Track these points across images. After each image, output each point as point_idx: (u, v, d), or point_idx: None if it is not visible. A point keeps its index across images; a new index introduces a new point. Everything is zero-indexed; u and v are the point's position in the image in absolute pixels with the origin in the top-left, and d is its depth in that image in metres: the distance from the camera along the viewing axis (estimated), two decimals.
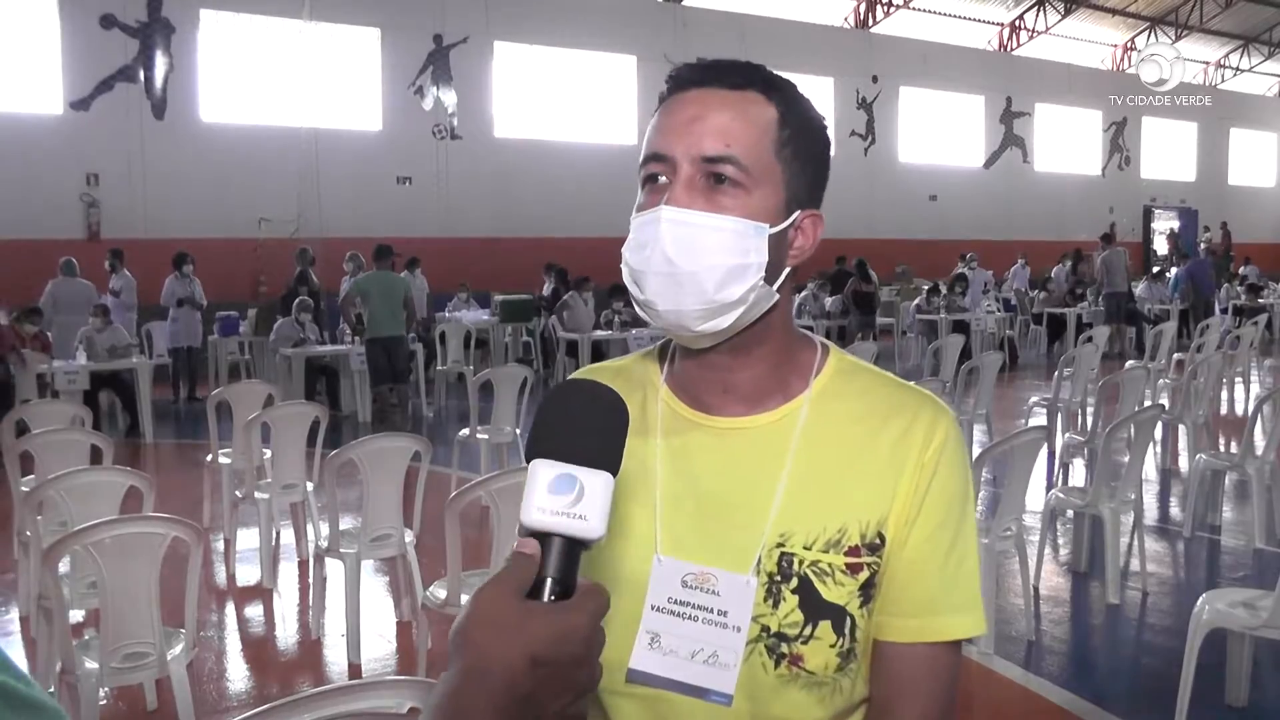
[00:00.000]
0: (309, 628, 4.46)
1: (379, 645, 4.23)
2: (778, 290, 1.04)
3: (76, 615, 3.98)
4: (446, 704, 0.72)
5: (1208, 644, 3.13)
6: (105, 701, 3.56)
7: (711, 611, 1.02)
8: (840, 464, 1.04)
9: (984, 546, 3.94)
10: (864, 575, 1.02)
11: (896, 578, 1.03)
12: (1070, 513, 5.09)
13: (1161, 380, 8.88)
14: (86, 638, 3.24)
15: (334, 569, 4.33)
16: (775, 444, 1.05)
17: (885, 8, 21.92)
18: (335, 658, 4.11)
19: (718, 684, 1.02)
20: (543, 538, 0.78)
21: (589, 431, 0.80)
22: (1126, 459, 4.83)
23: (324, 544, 4.21)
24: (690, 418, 1.08)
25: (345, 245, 12.59)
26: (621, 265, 1.03)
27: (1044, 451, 6.12)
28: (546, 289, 13.70)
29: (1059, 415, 7.39)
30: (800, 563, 1.01)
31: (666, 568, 1.04)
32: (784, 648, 1.01)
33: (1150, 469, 6.95)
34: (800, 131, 1.04)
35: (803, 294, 13.42)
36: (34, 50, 14.01)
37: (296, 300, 10.66)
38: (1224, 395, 9.70)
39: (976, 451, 5.50)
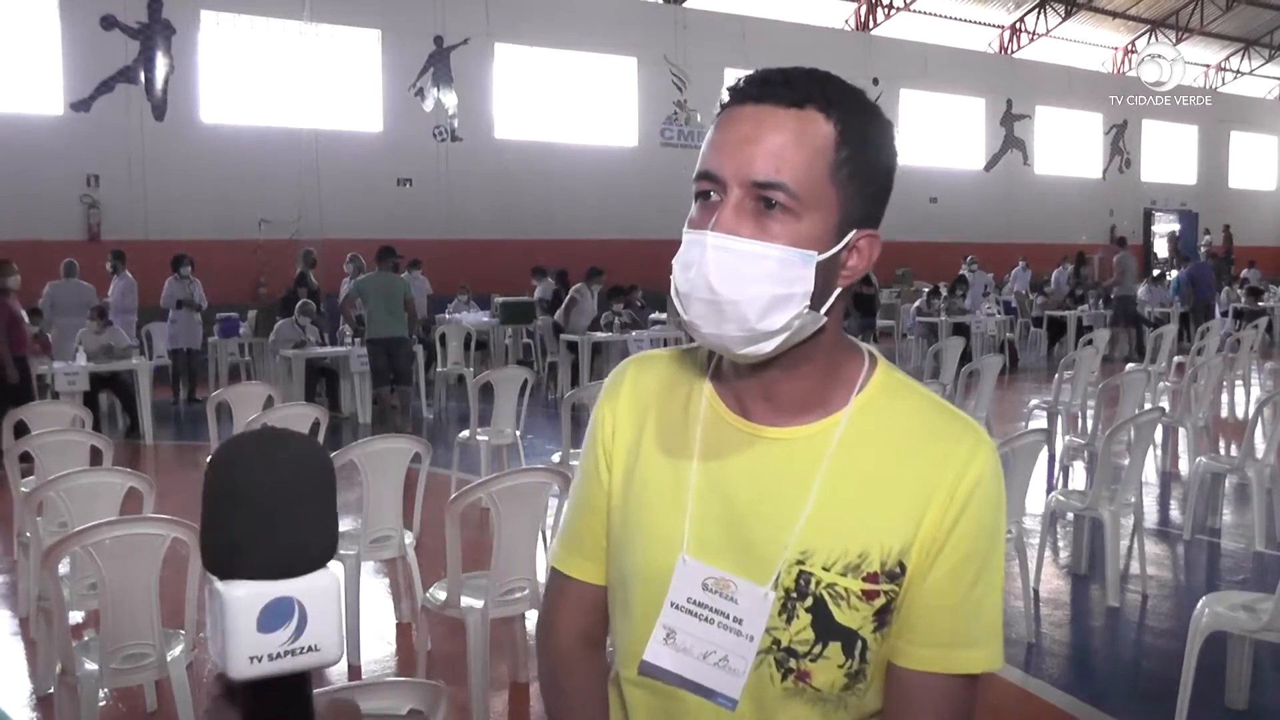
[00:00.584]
0: None
1: (379, 647, 4.22)
2: (825, 314, 1.01)
3: (76, 616, 3.99)
4: None
5: (1208, 647, 3.13)
6: (105, 702, 3.56)
7: (728, 617, 1.03)
8: (870, 485, 1.02)
9: None
10: (879, 602, 1.01)
11: (916, 606, 1.02)
12: (1070, 515, 5.09)
13: (1162, 383, 8.88)
14: (86, 639, 3.24)
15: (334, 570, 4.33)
16: (809, 457, 1.04)
17: (886, 10, 21.93)
18: None
19: (725, 687, 1.03)
20: (258, 685, 0.59)
21: (293, 517, 0.58)
22: (1126, 462, 4.82)
23: None
24: (730, 421, 1.08)
25: (345, 246, 12.59)
26: (671, 278, 1.01)
27: (1044, 454, 6.12)
28: (538, 292, 13.72)
29: (1059, 418, 7.39)
30: (818, 583, 1.01)
31: (690, 568, 1.05)
32: (792, 663, 1.02)
33: (1150, 472, 6.94)
34: (860, 149, 1.00)
35: None
36: (34, 51, 14.03)
37: (298, 303, 10.65)
38: (1224, 398, 9.70)
39: None
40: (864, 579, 1.00)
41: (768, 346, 0.99)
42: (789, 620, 1.02)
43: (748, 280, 0.95)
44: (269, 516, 0.57)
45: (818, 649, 1.01)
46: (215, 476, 0.59)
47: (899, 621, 1.02)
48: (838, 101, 1.00)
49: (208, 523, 0.59)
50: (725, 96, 1.01)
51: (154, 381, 9.69)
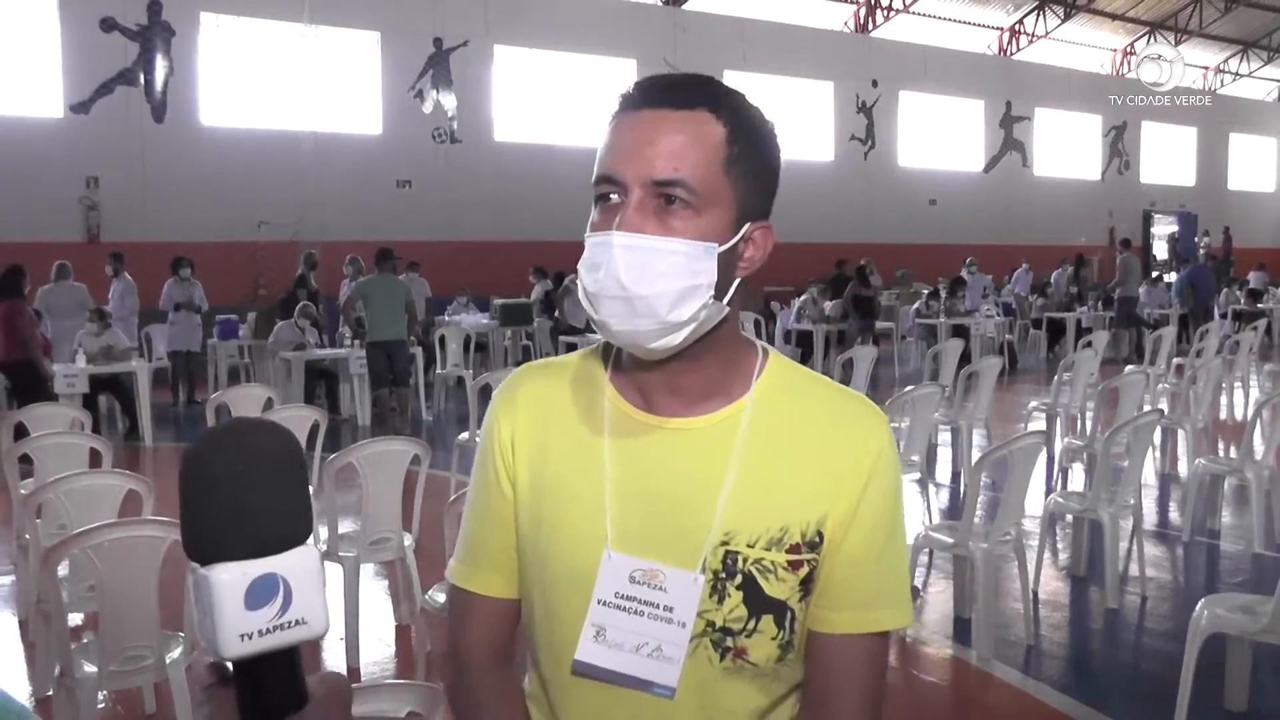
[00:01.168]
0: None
1: (378, 649, 4.22)
2: (728, 304, 1.06)
3: (75, 618, 3.99)
4: None
5: (1207, 649, 3.13)
6: (104, 705, 3.56)
7: (658, 607, 1.06)
8: (782, 465, 1.08)
9: (983, 551, 3.94)
10: (804, 571, 1.07)
11: (834, 574, 1.08)
12: (1069, 517, 5.09)
13: (1161, 385, 8.88)
14: (85, 641, 3.23)
15: (333, 572, 4.32)
16: (720, 444, 1.08)
17: (885, 12, 21.95)
18: (334, 661, 4.10)
19: (661, 677, 1.05)
20: (250, 665, 0.60)
21: (269, 498, 0.60)
22: (1126, 464, 4.83)
23: (323, 547, 4.20)
24: (637, 416, 1.11)
25: (345, 249, 12.59)
26: (577, 281, 1.05)
27: (1043, 456, 6.12)
28: (535, 293, 13.72)
29: (1058, 420, 7.39)
30: (745, 560, 1.06)
31: (616, 563, 1.07)
32: (729, 641, 1.06)
33: (1149, 474, 6.94)
34: (750, 145, 1.05)
35: (802, 298, 13.42)
36: (34, 53, 14.04)
37: (298, 305, 10.65)
38: (1223, 400, 9.70)
39: (976, 456, 5.50)
40: (787, 550, 1.06)
41: (678, 338, 1.02)
42: (720, 601, 1.05)
43: (656, 275, 0.99)
44: (247, 500, 0.59)
45: (752, 624, 1.06)
46: (191, 468, 0.61)
47: (817, 590, 1.09)
48: (726, 103, 1.04)
49: (188, 513, 0.60)
50: (616, 104, 1.06)
51: (153, 383, 9.69)
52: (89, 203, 14.20)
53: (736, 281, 1.06)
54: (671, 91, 1.03)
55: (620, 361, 1.14)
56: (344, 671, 3.95)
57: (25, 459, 4.51)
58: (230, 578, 0.58)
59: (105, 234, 14.08)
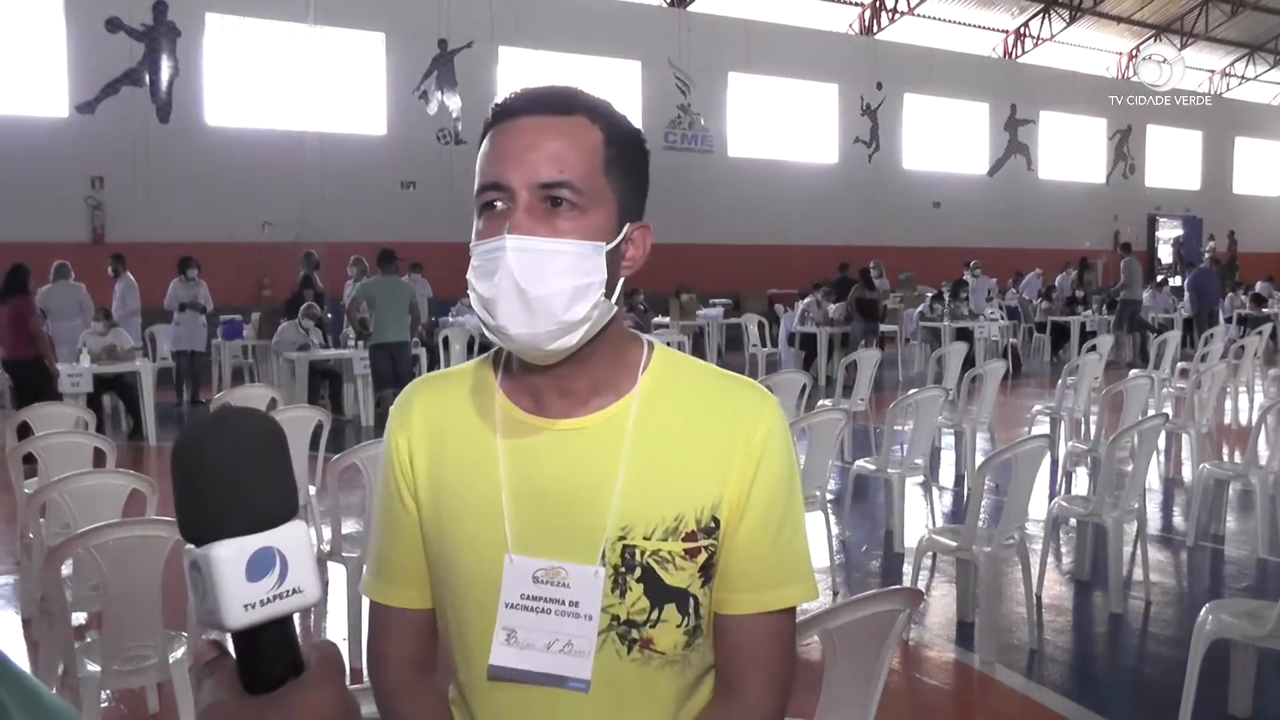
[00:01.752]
0: (311, 631, 4.46)
1: None
2: (615, 303, 1.09)
3: (79, 618, 3.99)
4: None
5: (1211, 654, 3.12)
6: (107, 704, 3.56)
7: (563, 603, 1.08)
8: (672, 455, 1.10)
9: (986, 555, 3.93)
10: (702, 558, 1.09)
11: (733, 556, 1.11)
12: (1073, 521, 5.09)
13: (1165, 389, 8.86)
14: (89, 640, 3.24)
15: (336, 573, 4.33)
16: (610, 441, 1.10)
17: (890, 14, 21.95)
18: None
19: (574, 671, 1.08)
20: (248, 637, 0.64)
21: (260, 477, 0.64)
22: (1130, 468, 4.82)
23: (326, 548, 4.20)
24: (528, 420, 1.13)
25: (349, 249, 12.60)
26: (468, 292, 1.07)
27: (1047, 460, 6.12)
28: None
29: (1062, 424, 7.38)
30: (642, 553, 1.08)
31: (518, 565, 1.09)
32: (634, 633, 1.08)
33: (1154, 478, 6.93)
34: (624, 149, 1.09)
35: (806, 300, 13.39)
36: (40, 53, 14.08)
37: (303, 305, 10.66)
38: (1228, 405, 9.69)
39: (979, 459, 5.49)
40: (684, 539, 1.08)
41: (574, 338, 1.05)
42: (622, 594, 1.08)
43: (550, 275, 1.02)
44: (240, 480, 0.63)
45: (655, 614, 1.08)
46: (185, 455, 0.64)
47: (719, 574, 1.11)
48: (599, 109, 1.09)
49: (184, 498, 0.64)
50: (490, 114, 1.09)
51: (157, 383, 9.70)
52: (94, 202, 14.22)
53: (620, 281, 1.09)
54: (549, 99, 1.07)
55: (510, 367, 1.16)
56: (349, 672, 3.95)
57: (29, 458, 4.52)
58: (230, 553, 0.62)
59: (110, 234, 14.11)
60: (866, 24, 22.01)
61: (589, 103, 1.09)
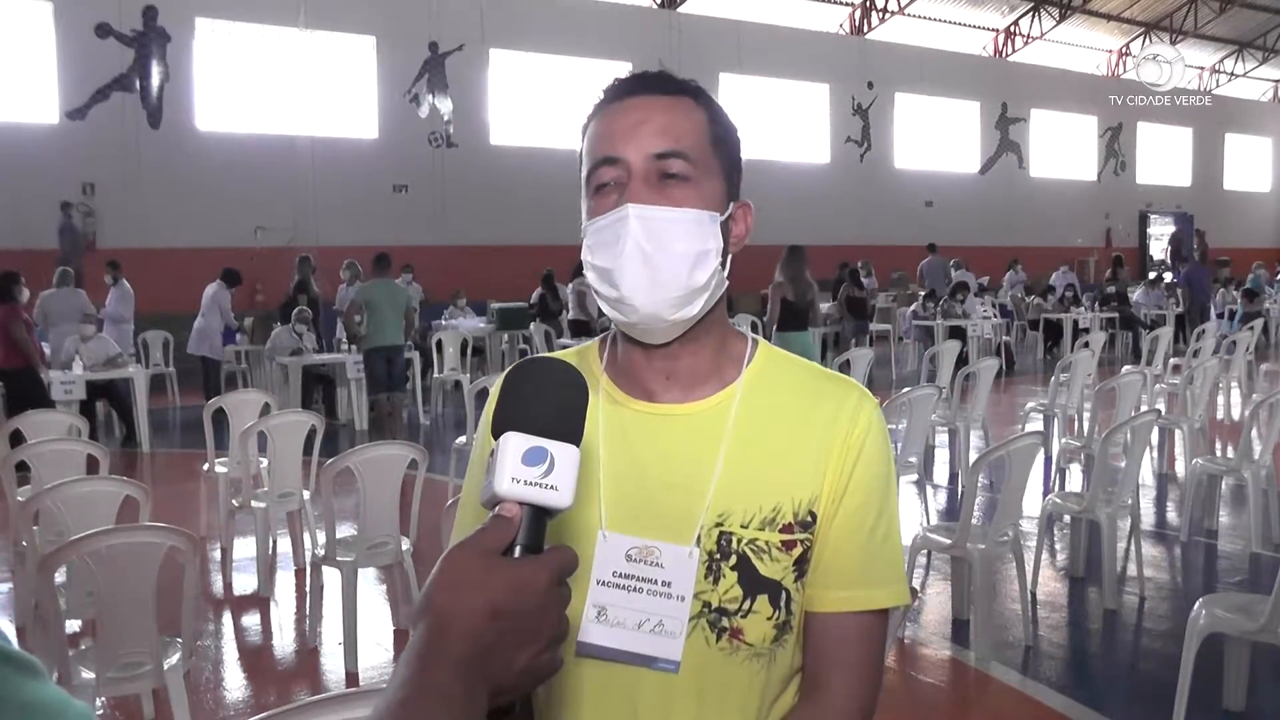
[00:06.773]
0: (306, 636, 4.46)
1: (376, 654, 4.22)
2: (727, 276, 1.11)
3: (73, 625, 3.98)
4: (411, 660, 0.73)
5: (1205, 649, 3.13)
6: (102, 711, 3.56)
7: (656, 583, 1.07)
8: (772, 447, 1.10)
9: (981, 552, 3.94)
10: (797, 551, 1.09)
11: (826, 552, 1.10)
12: (1067, 518, 5.10)
13: (1158, 385, 8.89)
14: (83, 647, 3.23)
15: (331, 577, 4.32)
16: (711, 428, 1.11)
17: (880, 14, 21.99)
18: (332, 666, 4.10)
19: (665, 652, 1.07)
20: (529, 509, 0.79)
21: (556, 406, 0.81)
22: (1123, 464, 4.83)
23: (321, 552, 4.20)
24: (632, 406, 1.14)
25: (341, 254, 12.59)
26: (585, 271, 1.08)
27: (1041, 457, 6.13)
28: (534, 297, 13.70)
29: (1056, 420, 7.39)
30: (738, 541, 1.08)
31: (611, 543, 1.09)
32: (725, 622, 1.07)
33: (1147, 474, 6.95)
34: (725, 132, 1.12)
35: None
36: (29, 60, 14.03)
37: (296, 310, 10.64)
38: (1220, 400, 9.71)
39: (973, 457, 5.50)
40: (780, 530, 1.08)
41: (694, 308, 1.07)
42: (715, 581, 1.07)
43: (673, 238, 1.04)
44: (542, 397, 0.81)
45: (747, 604, 1.07)
46: (514, 373, 0.85)
47: (812, 570, 1.10)
48: (702, 93, 1.13)
49: (505, 399, 0.82)
50: (601, 96, 1.11)
51: (150, 389, 9.67)
52: (85, 209, 14.17)
53: (729, 257, 1.11)
54: (657, 80, 1.10)
55: (616, 353, 1.17)
56: (344, 676, 3.95)
57: (22, 466, 4.51)
58: (516, 439, 0.78)
59: (101, 240, 14.07)
60: (857, 24, 22.05)
61: (694, 87, 1.12)
